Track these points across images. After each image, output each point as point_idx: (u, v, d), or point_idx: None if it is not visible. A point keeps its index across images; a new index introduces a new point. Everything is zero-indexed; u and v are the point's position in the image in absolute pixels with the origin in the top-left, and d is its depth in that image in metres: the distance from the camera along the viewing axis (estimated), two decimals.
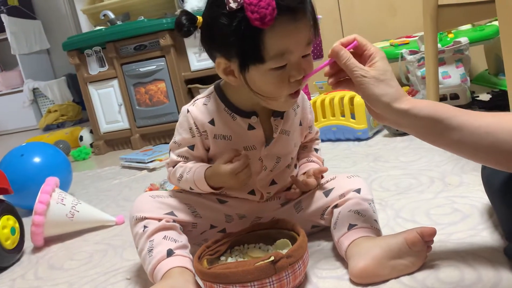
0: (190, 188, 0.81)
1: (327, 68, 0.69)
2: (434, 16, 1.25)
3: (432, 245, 0.69)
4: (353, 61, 0.64)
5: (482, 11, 1.19)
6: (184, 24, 0.72)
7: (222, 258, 0.77)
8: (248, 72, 0.69)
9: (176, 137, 0.82)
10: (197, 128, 0.79)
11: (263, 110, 0.79)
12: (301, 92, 0.85)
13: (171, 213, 0.80)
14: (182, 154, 0.82)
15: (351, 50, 0.66)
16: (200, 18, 0.72)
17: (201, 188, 0.79)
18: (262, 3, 0.62)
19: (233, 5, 0.64)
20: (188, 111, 0.80)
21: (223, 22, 0.66)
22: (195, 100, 0.81)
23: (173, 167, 0.83)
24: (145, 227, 0.77)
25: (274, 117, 0.80)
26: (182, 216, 0.81)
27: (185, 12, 0.73)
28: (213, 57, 0.74)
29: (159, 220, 0.78)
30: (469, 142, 0.58)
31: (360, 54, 0.67)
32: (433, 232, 0.68)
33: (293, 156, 0.87)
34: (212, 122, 0.79)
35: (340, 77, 0.68)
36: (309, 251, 0.81)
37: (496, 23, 1.83)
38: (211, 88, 0.82)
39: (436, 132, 0.60)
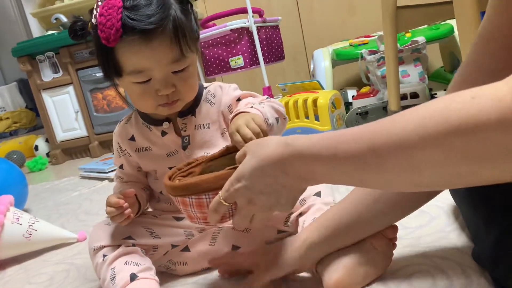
0: None
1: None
2: (393, 17, 1.27)
3: (396, 243, 0.70)
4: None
5: (439, 12, 1.22)
6: (77, 30, 0.74)
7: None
8: (114, 81, 0.75)
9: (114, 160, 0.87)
10: (121, 147, 0.84)
11: (175, 115, 0.80)
12: (216, 83, 0.86)
13: (129, 237, 0.78)
14: (117, 174, 0.86)
15: None
16: (89, 25, 0.73)
17: None
18: (108, 23, 0.66)
19: (93, 20, 0.69)
20: (114, 133, 0.85)
21: (92, 34, 0.72)
22: (120, 121, 0.84)
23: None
24: (104, 255, 0.75)
25: (180, 117, 0.80)
26: (141, 239, 0.79)
27: (78, 19, 0.74)
28: None
29: (118, 246, 0.76)
30: None
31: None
32: (395, 230, 0.69)
33: (224, 145, 0.82)
34: (132, 138, 0.82)
35: None
36: None
37: (449, 21, 1.89)
38: None
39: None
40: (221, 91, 0.84)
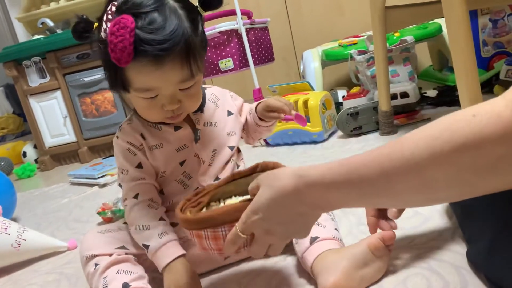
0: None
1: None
2: (382, 18, 1.27)
3: (393, 249, 0.70)
4: None
5: (428, 11, 1.22)
6: (81, 32, 0.71)
7: (205, 210, 0.71)
8: (120, 93, 0.73)
9: (121, 167, 0.80)
10: (133, 145, 0.78)
11: None
12: (216, 87, 0.89)
13: (122, 247, 0.77)
14: (135, 177, 0.78)
15: None
16: (95, 24, 0.71)
17: (152, 258, 0.75)
18: (120, 44, 0.63)
19: (103, 35, 0.67)
20: (117, 137, 0.80)
21: (99, 44, 0.70)
22: (120, 126, 0.81)
23: (135, 197, 0.77)
24: (96, 264, 0.74)
25: (192, 112, 0.80)
26: (134, 249, 0.78)
27: (81, 20, 0.72)
28: None
29: (110, 255, 0.75)
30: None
31: None
32: (393, 236, 0.69)
33: (229, 145, 0.85)
34: (142, 136, 0.79)
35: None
36: (275, 266, 0.79)
37: (437, 20, 1.89)
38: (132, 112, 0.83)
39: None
40: (224, 96, 0.87)
